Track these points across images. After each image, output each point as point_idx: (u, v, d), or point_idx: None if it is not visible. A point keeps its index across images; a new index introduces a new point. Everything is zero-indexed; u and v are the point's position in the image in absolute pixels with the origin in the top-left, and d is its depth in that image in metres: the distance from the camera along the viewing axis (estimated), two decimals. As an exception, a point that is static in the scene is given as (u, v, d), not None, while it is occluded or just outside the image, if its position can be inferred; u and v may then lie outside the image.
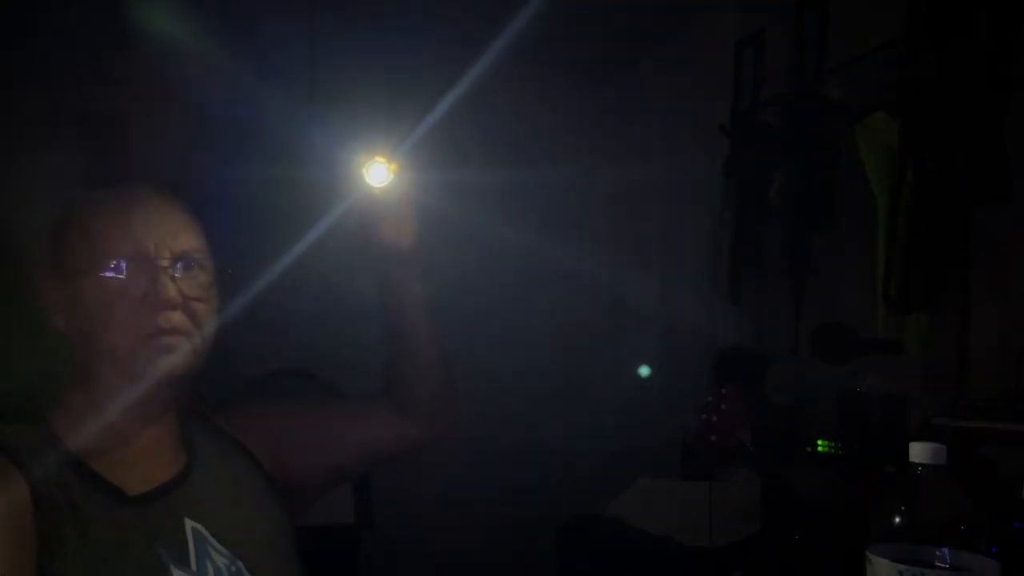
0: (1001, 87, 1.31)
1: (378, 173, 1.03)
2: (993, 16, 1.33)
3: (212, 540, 0.85)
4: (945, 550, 0.63)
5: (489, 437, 2.81)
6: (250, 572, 0.85)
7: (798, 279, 1.76)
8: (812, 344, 1.46)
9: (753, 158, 1.92)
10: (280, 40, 2.64)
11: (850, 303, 1.65)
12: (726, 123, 2.06)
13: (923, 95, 1.41)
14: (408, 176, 1.06)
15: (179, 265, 0.87)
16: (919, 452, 0.68)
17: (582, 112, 3.11)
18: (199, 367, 0.90)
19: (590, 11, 2.68)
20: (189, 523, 0.84)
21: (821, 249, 1.74)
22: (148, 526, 0.82)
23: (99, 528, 0.80)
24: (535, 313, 2.97)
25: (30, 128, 2.38)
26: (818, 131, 1.71)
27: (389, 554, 2.55)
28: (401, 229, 1.04)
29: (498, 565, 2.59)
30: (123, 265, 0.85)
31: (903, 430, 1.23)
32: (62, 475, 0.81)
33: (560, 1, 2.63)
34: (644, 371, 2.14)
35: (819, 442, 1.19)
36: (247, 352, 2.08)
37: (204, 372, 0.94)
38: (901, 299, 1.45)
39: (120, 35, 2.46)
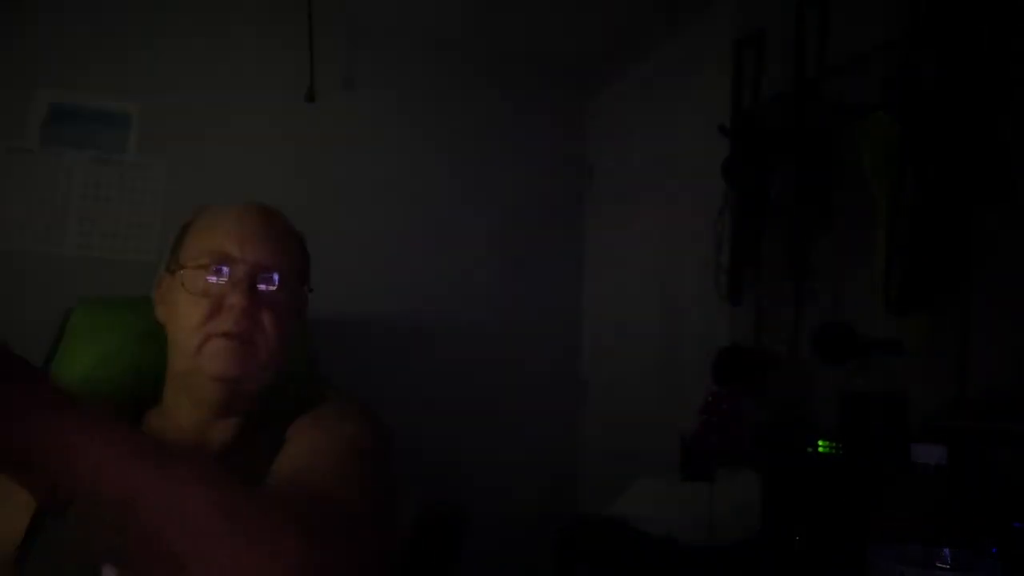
0: (1001, 87, 1.31)
1: None
2: (993, 17, 1.33)
3: None
4: (945, 550, 0.63)
5: (489, 437, 2.81)
6: None
7: (798, 279, 1.76)
8: (812, 344, 1.46)
9: (753, 158, 1.92)
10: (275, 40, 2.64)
11: (850, 303, 1.65)
12: (726, 123, 2.06)
13: (923, 95, 1.41)
14: None
15: (256, 273, 0.91)
16: (919, 452, 0.68)
17: (582, 112, 3.11)
18: (265, 378, 0.94)
19: (589, 11, 2.68)
20: None
21: (821, 249, 1.74)
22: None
23: (74, 518, 0.83)
24: (534, 313, 2.98)
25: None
26: (818, 131, 1.71)
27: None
28: None
29: (498, 565, 2.59)
30: (205, 265, 0.91)
31: (903, 430, 1.23)
32: None
33: (560, 2, 2.63)
34: None
35: (819, 442, 1.19)
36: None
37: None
38: (901, 299, 1.45)
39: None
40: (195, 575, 0.60)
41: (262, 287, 0.92)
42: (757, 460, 1.39)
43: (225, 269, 0.91)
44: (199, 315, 0.89)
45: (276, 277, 0.93)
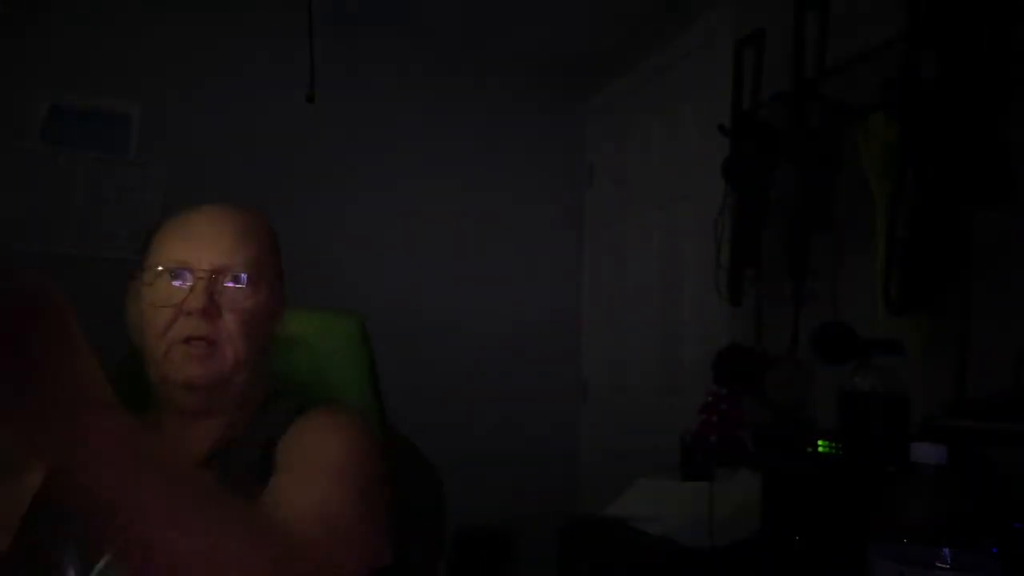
0: (1001, 87, 1.31)
1: None
2: (993, 16, 1.33)
3: None
4: (945, 550, 0.63)
5: (489, 437, 2.81)
6: None
7: (798, 279, 1.76)
8: (812, 344, 1.46)
9: (753, 158, 1.91)
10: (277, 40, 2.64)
11: (850, 303, 1.65)
12: (726, 123, 2.06)
13: (923, 95, 1.41)
14: None
15: (217, 277, 0.91)
16: (919, 452, 0.68)
17: (582, 112, 3.11)
18: (239, 381, 0.94)
19: (590, 11, 2.68)
20: None
21: (821, 249, 1.74)
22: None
23: (58, 514, 0.84)
24: (535, 313, 2.98)
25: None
26: (818, 131, 1.71)
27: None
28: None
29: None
30: (166, 272, 0.91)
31: (903, 430, 1.23)
32: None
33: (560, 1, 2.63)
34: None
35: (819, 442, 1.19)
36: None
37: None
38: (901, 299, 1.45)
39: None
40: None
41: (223, 287, 0.92)
42: (757, 460, 1.39)
43: (183, 274, 0.91)
44: (161, 323, 0.90)
45: (243, 277, 0.93)
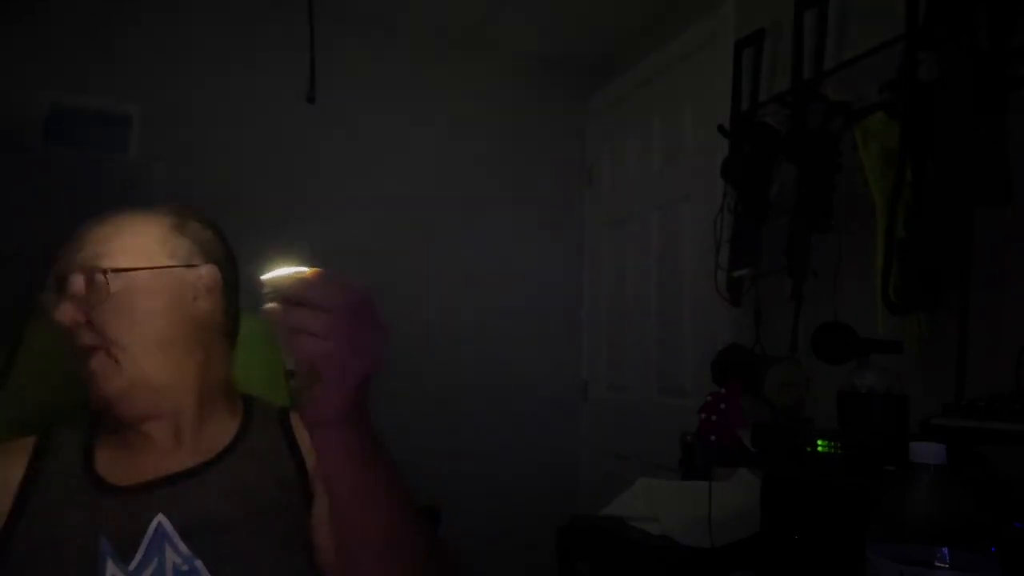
0: (1001, 87, 1.31)
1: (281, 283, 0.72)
2: (992, 16, 1.33)
3: (175, 537, 0.83)
4: (945, 550, 0.63)
5: (489, 437, 2.81)
6: (211, 572, 0.82)
7: (798, 279, 1.76)
8: (812, 344, 1.46)
9: (753, 158, 1.92)
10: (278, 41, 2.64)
11: (850, 303, 1.65)
12: (726, 123, 2.06)
13: (923, 95, 1.41)
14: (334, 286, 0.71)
15: (81, 282, 0.85)
16: (919, 452, 0.68)
17: (582, 112, 3.11)
18: (163, 388, 0.88)
19: (590, 11, 2.69)
20: (159, 519, 0.84)
21: (821, 249, 1.74)
22: (108, 516, 0.83)
23: (63, 509, 0.83)
24: (534, 313, 2.98)
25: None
26: (818, 131, 1.71)
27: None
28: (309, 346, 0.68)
29: (498, 565, 2.59)
30: (52, 287, 0.87)
31: (903, 430, 1.23)
32: (69, 462, 0.88)
33: (560, 1, 2.63)
34: None
35: (819, 442, 1.19)
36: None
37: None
38: (901, 299, 1.45)
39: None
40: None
41: (92, 292, 0.85)
42: (757, 460, 1.39)
43: (61, 285, 0.85)
44: (66, 338, 0.84)
45: (103, 276, 0.84)
